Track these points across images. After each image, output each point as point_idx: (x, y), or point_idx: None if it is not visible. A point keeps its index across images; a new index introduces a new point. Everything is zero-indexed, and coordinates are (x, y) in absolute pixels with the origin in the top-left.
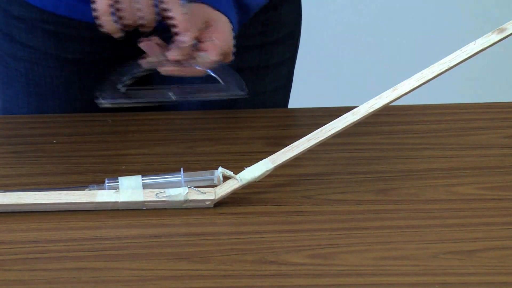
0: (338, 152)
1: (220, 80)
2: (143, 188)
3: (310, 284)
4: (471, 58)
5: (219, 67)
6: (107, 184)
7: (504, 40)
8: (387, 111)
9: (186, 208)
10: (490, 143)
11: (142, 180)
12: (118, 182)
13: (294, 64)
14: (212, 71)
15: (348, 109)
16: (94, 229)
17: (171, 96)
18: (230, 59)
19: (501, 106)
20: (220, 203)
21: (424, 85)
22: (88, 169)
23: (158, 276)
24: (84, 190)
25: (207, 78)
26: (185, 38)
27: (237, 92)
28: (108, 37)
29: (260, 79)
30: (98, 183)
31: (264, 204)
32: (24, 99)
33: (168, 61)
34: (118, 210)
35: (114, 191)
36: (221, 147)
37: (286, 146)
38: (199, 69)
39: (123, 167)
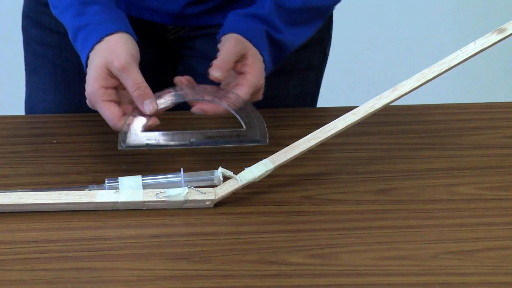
0: (338, 152)
1: (243, 124)
2: (143, 188)
3: (310, 284)
4: (471, 58)
5: (246, 112)
6: (107, 184)
7: (504, 40)
8: (387, 111)
9: (186, 208)
10: (490, 143)
11: (142, 180)
12: (118, 182)
13: (322, 71)
14: (237, 114)
15: (348, 109)
16: (94, 229)
17: (192, 141)
18: (260, 96)
19: (501, 106)
20: (220, 203)
21: (424, 85)
22: (88, 169)
23: (157, 276)
24: (84, 190)
25: (230, 123)
26: (215, 73)
27: (258, 139)
28: (136, 22)
29: (283, 83)
30: (98, 183)
31: (264, 204)
32: (51, 85)
33: (198, 95)
34: (118, 210)
35: (114, 191)
36: (221, 147)
37: (286, 146)
38: (227, 107)
39: (123, 167)
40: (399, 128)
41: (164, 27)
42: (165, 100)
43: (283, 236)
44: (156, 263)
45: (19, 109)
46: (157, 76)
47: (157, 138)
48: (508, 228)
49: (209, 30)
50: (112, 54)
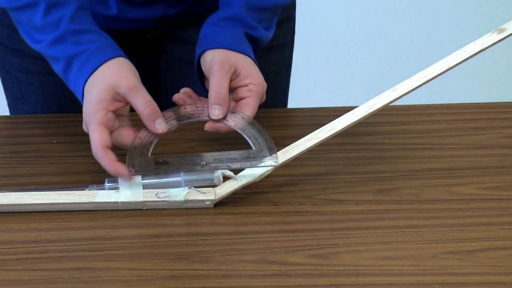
0: (338, 152)
1: (252, 145)
2: (143, 188)
3: (310, 284)
4: (471, 58)
5: (254, 132)
6: (107, 184)
7: (504, 40)
8: (387, 111)
9: (186, 208)
10: (490, 143)
11: (142, 180)
12: (118, 182)
13: (293, 47)
14: (245, 134)
15: (348, 109)
16: (94, 229)
17: (202, 164)
18: (264, 98)
19: (501, 106)
20: (220, 203)
21: (424, 85)
22: (88, 169)
23: (157, 276)
24: (84, 190)
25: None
26: (215, 112)
27: (268, 161)
28: (120, 36)
29: (264, 60)
30: (98, 183)
31: (264, 204)
32: (43, 112)
33: (203, 115)
34: (118, 210)
35: (114, 191)
36: (221, 147)
37: (286, 146)
38: (233, 127)
39: None
40: (399, 128)
41: (144, 29)
42: (169, 122)
43: (283, 236)
44: (156, 263)
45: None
46: (140, 75)
47: (166, 161)
48: (508, 228)
49: (188, 20)
50: (119, 76)
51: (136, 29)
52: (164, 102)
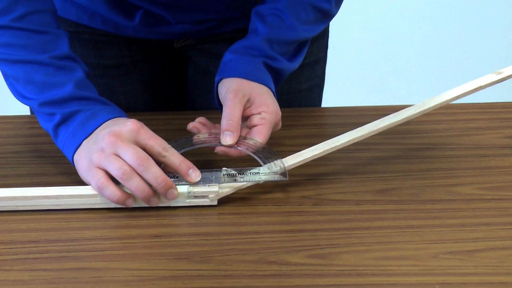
0: (338, 152)
1: (261, 163)
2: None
3: (310, 284)
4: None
5: (264, 153)
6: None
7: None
8: (387, 111)
9: (186, 207)
10: (490, 143)
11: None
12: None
13: (326, 63)
14: (256, 155)
15: (346, 109)
16: (94, 229)
17: (213, 178)
18: (280, 125)
19: (501, 106)
20: (220, 203)
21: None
22: None
23: (158, 276)
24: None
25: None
26: (226, 138)
27: (278, 177)
28: (147, 43)
29: (296, 78)
30: None
31: (264, 204)
32: None
33: (217, 141)
34: (118, 209)
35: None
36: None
37: (286, 146)
38: (245, 151)
39: None
40: (399, 128)
41: (171, 40)
42: (185, 145)
43: (283, 236)
44: (156, 263)
45: (19, 109)
46: (166, 81)
47: (176, 176)
48: (508, 228)
49: (217, 37)
50: (137, 123)
51: (163, 39)
52: (190, 111)
